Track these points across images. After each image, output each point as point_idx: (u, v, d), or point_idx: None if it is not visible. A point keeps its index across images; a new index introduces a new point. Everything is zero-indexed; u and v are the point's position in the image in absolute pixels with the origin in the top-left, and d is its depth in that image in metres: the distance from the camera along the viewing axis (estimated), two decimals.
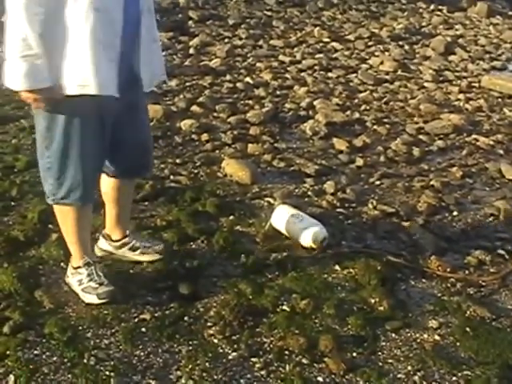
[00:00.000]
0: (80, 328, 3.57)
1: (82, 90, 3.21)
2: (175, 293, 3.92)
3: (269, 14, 16.21)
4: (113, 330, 3.56)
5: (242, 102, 7.90)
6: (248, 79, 9.05)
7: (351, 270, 4.19)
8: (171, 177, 5.57)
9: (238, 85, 8.67)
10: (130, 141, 3.72)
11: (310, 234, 4.41)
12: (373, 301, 3.89)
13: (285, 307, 3.80)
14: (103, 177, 3.88)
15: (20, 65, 3.11)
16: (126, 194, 4.12)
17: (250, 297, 3.88)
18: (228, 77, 9.07)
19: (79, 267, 3.82)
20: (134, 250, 4.19)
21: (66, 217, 3.71)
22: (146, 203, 5.08)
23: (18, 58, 3.10)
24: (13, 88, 3.20)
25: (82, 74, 3.19)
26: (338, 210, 5.05)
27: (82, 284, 3.79)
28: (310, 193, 5.34)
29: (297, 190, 5.40)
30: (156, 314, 3.71)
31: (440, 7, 21.81)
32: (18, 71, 3.13)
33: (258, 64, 10.13)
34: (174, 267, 4.18)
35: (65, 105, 3.28)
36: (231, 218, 4.82)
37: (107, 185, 3.97)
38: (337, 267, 4.23)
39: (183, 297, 3.88)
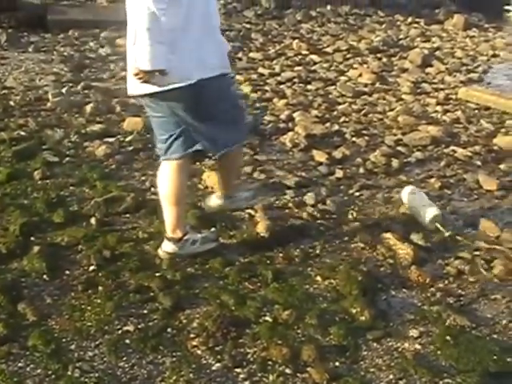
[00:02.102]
0: (64, 340, 3.57)
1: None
2: (158, 304, 3.94)
3: (248, 26, 16.30)
4: (97, 342, 3.58)
5: None
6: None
7: (332, 281, 4.23)
8: (152, 189, 5.58)
9: None
10: None
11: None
12: (354, 311, 3.92)
13: (267, 318, 3.83)
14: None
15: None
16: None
17: (233, 308, 3.91)
18: None
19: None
20: (194, 244, 4.47)
21: None
22: (128, 215, 5.09)
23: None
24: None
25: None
26: (319, 221, 5.09)
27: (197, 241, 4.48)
28: (290, 204, 5.38)
29: (277, 202, 5.44)
30: (139, 326, 3.73)
31: (417, 20, 22.02)
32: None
33: (238, 76, 10.17)
34: (156, 279, 4.19)
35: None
36: (212, 230, 4.83)
37: None
38: (318, 278, 4.27)
39: (166, 308, 3.90)
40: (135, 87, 4.06)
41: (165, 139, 4.28)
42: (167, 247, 4.47)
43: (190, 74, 3.94)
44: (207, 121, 4.15)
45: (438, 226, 5.04)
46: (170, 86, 3.90)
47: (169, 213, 4.42)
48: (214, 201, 4.91)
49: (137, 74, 3.84)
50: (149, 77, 3.83)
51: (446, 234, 4.98)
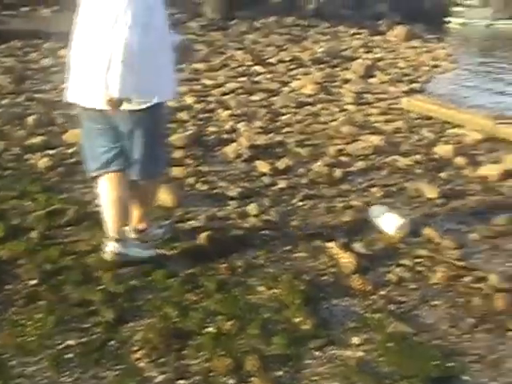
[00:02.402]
0: (4, 356, 3.51)
1: None
2: (101, 318, 3.89)
3: (192, 37, 16.28)
4: (38, 358, 3.51)
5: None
6: (171, 102, 9.07)
7: (275, 291, 4.23)
8: (94, 201, 5.53)
9: None
10: None
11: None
12: (297, 320, 3.93)
13: (210, 329, 3.81)
14: None
15: None
16: None
17: (176, 320, 3.88)
18: None
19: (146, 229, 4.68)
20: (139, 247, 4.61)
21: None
22: (70, 228, 5.03)
23: None
24: None
25: None
26: (262, 231, 5.10)
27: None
28: (233, 215, 5.38)
29: (220, 213, 5.43)
30: (82, 340, 3.67)
31: (360, 31, 22.33)
32: None
33: (181, 88, 10.15)
34: (98, 292, 4.15)
35: None
36: (154, 242, 4.80)
37: None
38: (261, 288, 4.28)
39: (109, 321, 3.86)
40: (83, 99, 4.16)
41: (104, 151, 4.27)
42: (111, 247, 4.47)
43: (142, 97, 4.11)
44: (141, 145, 4.26)
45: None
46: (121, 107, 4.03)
47: (141, 209, 4.60)
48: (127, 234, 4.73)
49: (109, 100, 3.95)
50: (118, 103, 3.96)
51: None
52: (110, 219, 4.45)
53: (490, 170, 7.07)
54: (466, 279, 4.59)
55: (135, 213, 4.64)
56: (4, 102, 8.52)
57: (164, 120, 4.63)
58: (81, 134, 4.54)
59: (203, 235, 4.83)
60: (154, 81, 4.13)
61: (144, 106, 4.14)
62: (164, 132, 4.68)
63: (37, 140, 7.04)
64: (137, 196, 4.57)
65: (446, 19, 43.93)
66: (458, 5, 46.69)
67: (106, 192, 4.38)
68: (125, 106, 4.04)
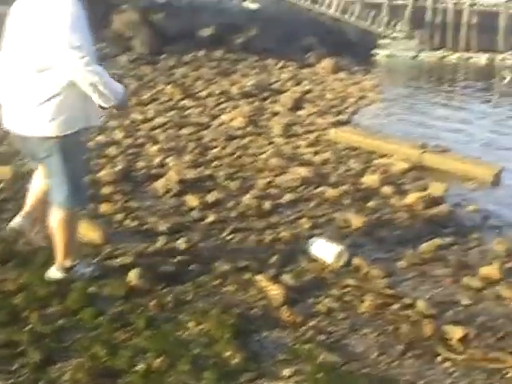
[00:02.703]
0: None
1: None
2: (28, 359, 3.81)
3: (121, 72, 16.23)
4: None
5: (94, 161, 7.84)
6: (100, 138, 9.02)
7: (204, 326, 4.22)
8: (22, 240, 5.42)
9: (90, 144, 8.60)
10: None
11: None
12: (227, 354, 3.92)
13: (140, 366, 3.77)
14: None
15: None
16: None
17: (105, 359, 3.83)
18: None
19: (78, 263, 4.67)
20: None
21: (77, 221, 4.60)
22: None
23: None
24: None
25: None
26: (191, 266, 5.07)
27: (85, 274, 4.66)
28: (162, 251, 5.34)
29: (149, 249, 5.38)
30: (9, 382, 3.59)
31: (288, 64, 22.61)
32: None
33: (111, 122, 10.12)
34: (26, 333, 4.07)
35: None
36: (82, 280, 4.73)
37: None
38: (191, 323, 4.25)
39: (36, 362, 3.77)
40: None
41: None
42: (53, 273, 4.61)
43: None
44: (57, 173, 4.36)
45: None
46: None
47: (61, 243, 4.56)
48: (54, 273, 4.71)
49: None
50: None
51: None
52: (59, 246, 4.59)
53: (415, 199, 7.22)
54: (395, 307, 4.67)
55: (59, 248, 4.59)
56: None
57: (82, 149, 4.62)
58: None
59: (132, 272, 4.78)
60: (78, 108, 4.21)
61: (60, 134, 4.17)
62: (82, 163, 4.61)
63: None
64: (56, 228, 4.53)
65: (373, 51, 44.95)
66: (384, 37, 47.71)
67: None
68: (40, 133, 4.10)
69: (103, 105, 4.16)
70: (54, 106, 4.11)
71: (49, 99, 4.10)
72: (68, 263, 4.62)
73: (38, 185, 4.74)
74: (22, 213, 4.83)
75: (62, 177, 4.31)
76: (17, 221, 4.82)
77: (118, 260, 5.11)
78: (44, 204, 4.69)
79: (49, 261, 4.98)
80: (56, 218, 4.48)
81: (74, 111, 4.19)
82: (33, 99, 4.13)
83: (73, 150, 4.30)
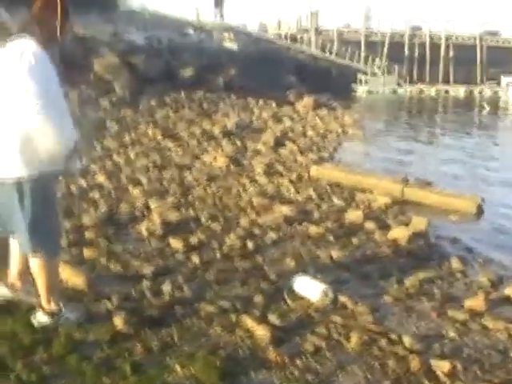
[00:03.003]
0: None
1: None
2: None
3: (102, 114, 16.27)
4: None
5: (77, 205, 7.83)
6: (82, 182, 9.02)
7: (191, 369, 4.19)
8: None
9: (72, 188, 8.62)
10: None
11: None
12: None
13: None
14: None
15: None
16: None
17: None
18: (61, 180, 8.99)
19: (59, 309, 4.63)
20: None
21: (54, 267, 4.59)
22: None
23: None
24: None
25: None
26: (176, 309, 5.04)
27: (69, 319, 4.63)
28: (147, 294, 5.31)
29: (134, 293, 5.35)
30: None
31: (269, 102, 22.78)
32: None
33: (92, 166, 10.13)
34: (10, 381, 4.02)
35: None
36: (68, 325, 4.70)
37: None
38: (177, 366, 4.23)
39: None
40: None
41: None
42: (40, 318, 4.62)
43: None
44: (23, 218, 4.36)
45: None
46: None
47: (42, 288, 4.59)
48: (41, 317, 4.69)
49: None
50: None
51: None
52: (41, 290, 4.63)
53: (398, 233, 7.26)
54: (381, 342, 4.67)
55: (41, 292, 4.61)
56: None
57: (50, 194, 4.50)
58: None
59: (117, 316, 4.75)
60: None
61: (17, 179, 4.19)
62: (50, 207, 4.49)
63: None
64: (36, 274, 4.56)
65: (353, 87, 45.40)
66: (363, 73, 48.22)
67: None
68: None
69: (53, 152, 4.16)
70: (17, 147, 4.11)
71: (12, 142, 4.11)
72: (52, 307, 4.61)
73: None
74: (9, 282, 4.85)
75: (29, 221, 4.31)
76: (3, 292, 4.85)
77: (102, 304, 5.08)
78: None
79: (33, 307, 4.96)
80: (34, 264, 4.49)
81: (36, 153, 4.17)
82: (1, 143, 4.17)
83: (42, 192, 4.30)
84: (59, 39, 4.33)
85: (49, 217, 4.43)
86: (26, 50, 4.05)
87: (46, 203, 4.39)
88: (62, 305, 4.69)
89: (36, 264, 4.48)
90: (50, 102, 4.07)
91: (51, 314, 4.63)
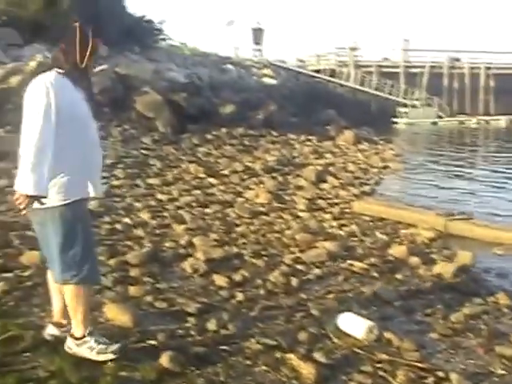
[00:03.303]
0: None
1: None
2: None
3: (145, 152, 16.49)
4: None
5: (122, 243, 7.93)
6: (127, 219, 9.13)
7: None
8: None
9: (117, 226, 8.72)
10: None
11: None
12: None
13: None
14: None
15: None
16: None
17: None
18: (106, 218, 9.11)
19: (84, 337, 4.63)
20: (91, 350, 4.65)
21: (81, 294, 4.57)
22: (28, 354, 4.92)
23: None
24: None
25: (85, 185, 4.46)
26: (222, 346, 5.05)
27: (94, 349, 4.60)
28: (192, 332, 5.33)
29: (179, 330, 5.38)
30: None
31: (309, 137, 22.89)
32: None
33: (136, 203, 10.25)
34: None
35: (76, 207, 4.42)
36: (115, 364, 4.74)
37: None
38: None
39: None
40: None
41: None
42: (69, 343, 4.74)
43: None
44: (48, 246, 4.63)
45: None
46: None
47: (72, 313, 4.70)
48: (68, 342, 4.79)
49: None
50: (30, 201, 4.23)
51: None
52: (72, 315, 4.74)
53: (443, 268, 7.20)
54: (428, 380, 4.63)
55: (71, 318, 4.76)
56: None
57: (73, 222, 4.51)
58: None
59: (163, 354, 4.78)
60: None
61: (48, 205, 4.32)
62: (72, 236, 4.51)
63: None
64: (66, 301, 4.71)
65: (393, 120, 45.37)
66: (403, 105, 48.20)
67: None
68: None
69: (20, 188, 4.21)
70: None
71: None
72: (78, 333, 4.69)
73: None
74: (53, 321, 5.00)
75: (58, 248, 4.47)
76: (51, 331, 4.97)
77: (148, 343, 5.12)
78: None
79: None
80: (65, 291, 4.65)
81: (66, 182, 4.37)
82: None
83: (73, 219, 4.46)
84: (83, 67, 4.52)
85: (79, 243, 4.50)
86: (44, 80, 4.32)
87: (76, 229, 4.50)
88: (87, 333, 4.71)
89: (66, 291, 4.63)
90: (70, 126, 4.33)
91: (77, 340, 4.71)
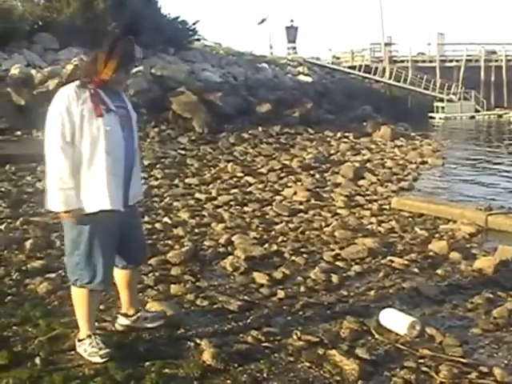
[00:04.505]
0: None
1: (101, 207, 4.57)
2: None
3: (182, 152, 16.58)
4: None
5: (162, 242, 8.00)
6: (166, 219, 9.20)
7: None
8: (96, 323, 5.50)
9: (157, 225, 8.79)
10: (134, 239, 5.03)
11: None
12: None
13: None
14: (115, 269, 5.01)
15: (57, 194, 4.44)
16: (134, 279, 5.37)
17: None
18: (146, 218, 9.19)
19: (84, 339, 4.86)
20: (85, 352, 4.84)
21: (83, 298, 4.84)
22: (73, 352, 4.99)
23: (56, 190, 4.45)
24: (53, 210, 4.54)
25: (101, 197, 4.56)
26: (264, 344, 5.08)
27: (87, 351, 4.80)
28: (234, 329, 5.38)
29: (222, 328, 5.42)
30: None
31: (346, 134, 22.82)
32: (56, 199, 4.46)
33: (175, 203, 10.32)
34: None
35: (89, 218, 4.57)
36: (159, 361, 4.80)
37: (119, 275, 5.15)
38: None
39: None
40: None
41: None
42: (123, 321, 5.25)
43: None
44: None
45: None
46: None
47: (123, 294, 5.27)
48: (122, 321, 5.29)
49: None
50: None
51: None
52: (122, 296, 5.34)
53: (484, 263, 7.15)
54: (472, 375, 4.60)
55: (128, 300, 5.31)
56: (1, 226, 8.60)
57: (81, 231, 4.69)
58: None
59: (206, 352, 4.82)
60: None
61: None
62: (77, 244, 4.73)
63: (36, 264, 7.05)
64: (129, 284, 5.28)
65: (429, 115, 44.99)
66: (439, 100, 47.75)
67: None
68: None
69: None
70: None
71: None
72: (80, 335, 4.95)
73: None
74: (122, 312, 5.39)
75: (68, 253, 4.82)
76: (121, 322, 5.33)
77: (191, 340, 5.17)
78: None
79: (125, 343, 5.08)
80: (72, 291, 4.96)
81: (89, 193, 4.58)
82: None
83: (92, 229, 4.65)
84: (110, 79, 4.62)
85: (84, 250, 4.72)
86: (62, 96, 4.55)
87: (81, 237, 4.71)
88: (87, 335, 4.90)
89: (72, 291, 4.94)
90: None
91: (78, 341, 4.94)
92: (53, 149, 4.45)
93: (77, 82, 4.58)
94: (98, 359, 4.74)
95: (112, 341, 5.05)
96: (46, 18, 26.40)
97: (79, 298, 4.87)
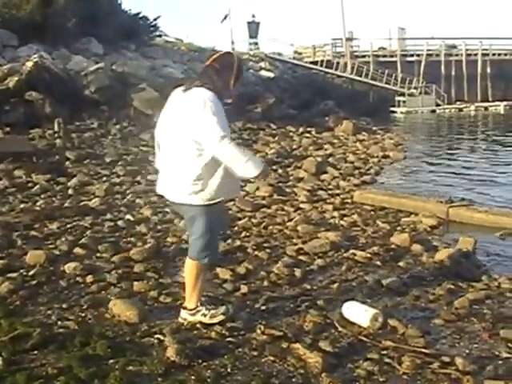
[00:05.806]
0: None
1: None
2: None
3: (144, 149, 16.47)
4: None
5: (125, 239, 7.96)
6: (129, 216, 9.15)
7: None
8: (59, 322, 5.47)
9: (119, 223, 8.75)
10: None
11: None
12: None
13: None
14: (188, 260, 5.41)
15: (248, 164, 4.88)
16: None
17: None
18: (108, 215, 9.14)
19: (197, 307, 5.36)
20: (205, 316, 5.34)
21: (203, 273, 5.37)
22: (36, 352, 4.94)
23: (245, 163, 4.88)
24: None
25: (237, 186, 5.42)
26: (228, 339, 5.09)
27: (207, 315, 5.33)
28: (198, 325, 5.36)
29: (185, 324, 5.41)
30: None
31: (308, 129, 22.90)
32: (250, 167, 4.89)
33: (138, 200, 10.26)
34: None
35: (218, 206, 5.17)
36: (123, 358, 4.77)
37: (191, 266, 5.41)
38: None
39: None
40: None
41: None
42: (183, 314, 5.43)
43: None
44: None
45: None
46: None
47: (189, 289, 5.43)
48: (183, 314, 5.45)
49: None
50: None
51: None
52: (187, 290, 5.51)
53: (445, 254, 7.23)
54: (434, 365, 4.65)
55: (186, 291, 5.49)
56: None
57: (220, 215, 5.47)
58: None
59: (170, 348, 4.82)
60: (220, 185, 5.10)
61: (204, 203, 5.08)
62: (218, 226, 5.46)
63: None
64: (186, 274, 5.54)
65: (391, 109, 45.33)
66: (400, 94, 48.14)
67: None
68: (189, 202, 5.09)
69: (247, 176, 5.03)
70: (201, 183, 4.98)
71: (198, 179, 4.96)
72: (191, 305, 5.37)
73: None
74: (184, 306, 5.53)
75: (199, 236, 5.17)
76: (182, 315, 5.48)
77: (155, 337, 5.15)
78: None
79: (87, 342, 5.04)
80: (187, 266, 5.39)
81: (216, 188, 5.00)
82: (185, 178, 5.02)
83: (212, 216, 5.12)
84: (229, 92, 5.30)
85: (214, 233, 5.34)
86: (206, 97, 4.92)
87: (216, 222, 5.31)
88: (200, 303, 5.42)
89: (189, 266, 5.38)
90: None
91: (190, 311, 5.41)
92: (223, 137, 4.80)
93: (207, 90, 5.00)
94: (221, 317, 5.32)
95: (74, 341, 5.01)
96: (5, 15, 26.00)
97: (200, 272, 5.32)
